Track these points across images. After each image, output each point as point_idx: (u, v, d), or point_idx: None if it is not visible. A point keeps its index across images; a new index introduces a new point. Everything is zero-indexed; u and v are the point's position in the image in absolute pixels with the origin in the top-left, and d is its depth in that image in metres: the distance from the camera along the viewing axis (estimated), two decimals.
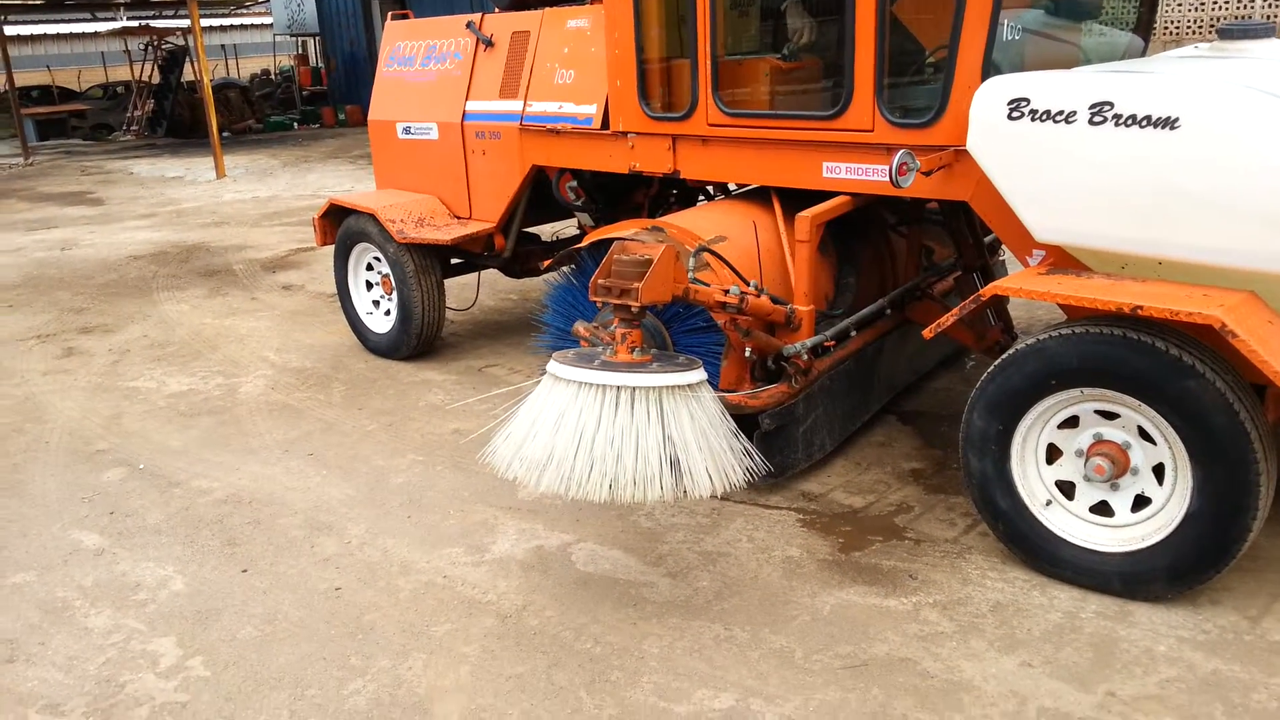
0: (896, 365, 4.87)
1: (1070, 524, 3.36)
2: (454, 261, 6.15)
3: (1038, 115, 3.29)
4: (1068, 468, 3.37)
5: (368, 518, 4.11)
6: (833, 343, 4.05)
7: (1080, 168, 3.22)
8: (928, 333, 3.51)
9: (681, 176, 4.62)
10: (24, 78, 27.18)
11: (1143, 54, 4.63)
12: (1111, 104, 3.13)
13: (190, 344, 6.71)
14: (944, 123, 3.68)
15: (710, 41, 4.22)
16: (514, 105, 5.30)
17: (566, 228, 6.85)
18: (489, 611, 3.38)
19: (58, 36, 39.15)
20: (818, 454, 4.24)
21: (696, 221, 4.14)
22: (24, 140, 20.71)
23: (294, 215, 11.57)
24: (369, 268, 6.08)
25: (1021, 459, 3.39)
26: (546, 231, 6.56)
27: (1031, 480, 3.41)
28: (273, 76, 29.88)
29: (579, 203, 5.36)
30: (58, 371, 6.29)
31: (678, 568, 3.60)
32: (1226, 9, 12.24)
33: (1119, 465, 3.23)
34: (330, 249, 6.27)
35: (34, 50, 38.75)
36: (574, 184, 5.30)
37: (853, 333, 4.20)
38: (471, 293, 6.73)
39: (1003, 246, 5.38)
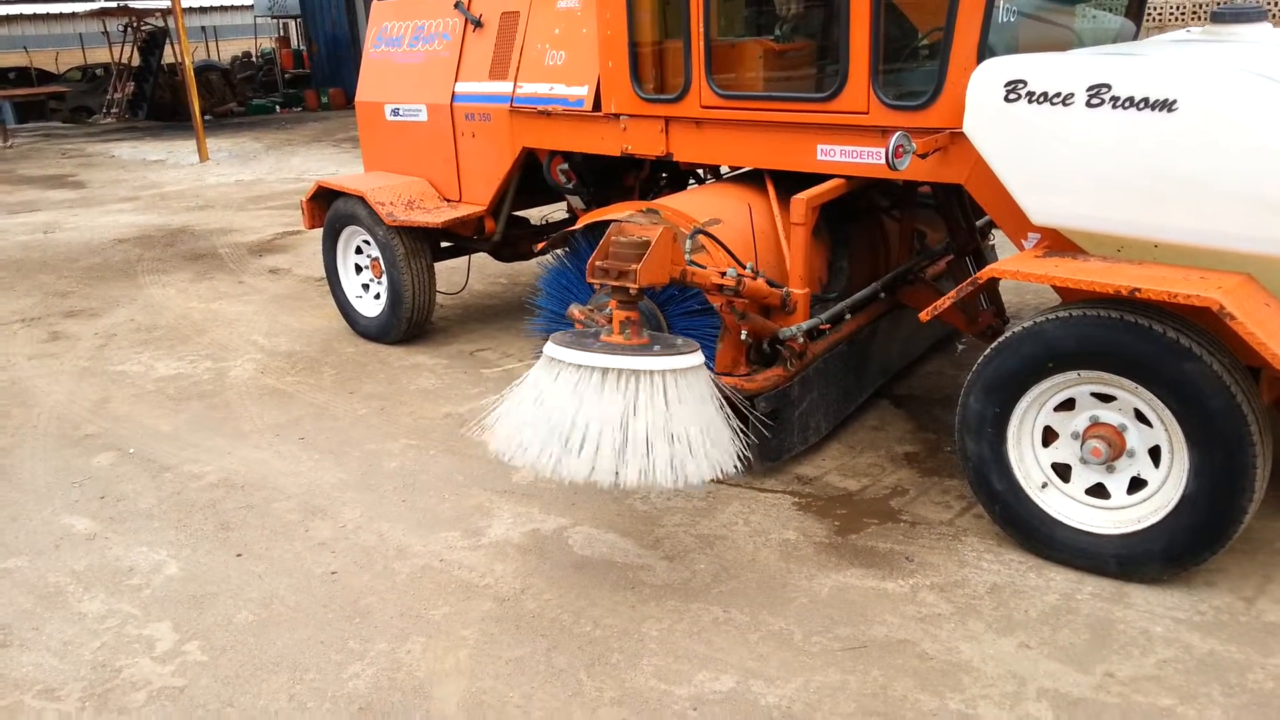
0: (889, 349, 4.87)
1: (1066, 506, 3.38)
2: (444, 245, 6.12)
3: (1035, 97, 3.28)
4: (1064, 450, 3.38)
5: (362, 502, 4.10)
6: (828, 326, 4.04)
7: (1077, 150, 3.22)
8: (924, 315, 3.51)
9: (674, 159, 4.59)
10: (0, 59, 26.83)
11: (1134, 38, 4.64)
12: (1109, 86, 3.13)
13: (178, 328, 6.66)
14: (940, 105, 3.67)
15: (703, 22, 4.19)
16: (504, 87, 5.26)
17: (555, 211, 6.82)
18: (487, 595, 3.37)
19: (34, 17, 38.69)
20: (813, 438, 4.25)
21: (691, 204, 4.13)
22: (3, 123, 20.45)
23: (279, 199, 11.48)
24: (358, 251, 6.04)
25: (1018, 441, 3.41)
26: (535, 216, 6.53)
27: (1028, 463, 3.42)
28: (254, 59, 29.62)
29: (570, 186, 5.33)
30: (44, 355, 6.23)
31: (675, 551, 3.60)
32: None
33: (1115, 448, 3.24)
34: (318, 232, 6.22)
35: (10, 31, 38.29)
36: (565, 166, 5.27)
37: (847, 316, 4.20)
38: (461, 277, 6.70)
39: (992, 231, 5.39)
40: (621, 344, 3.15)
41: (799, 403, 4.09)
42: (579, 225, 4.14)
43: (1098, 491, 3.35)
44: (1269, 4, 11.89)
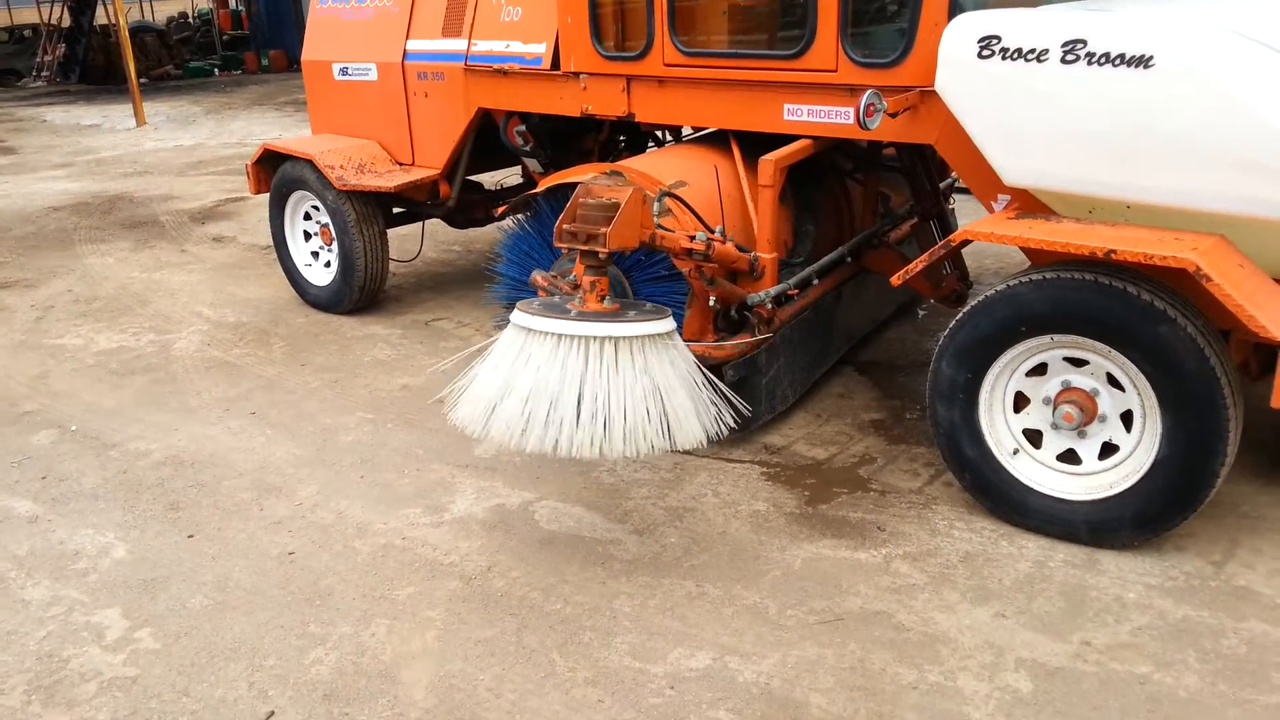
0: (854, 315, 4.82)
1: (1037, 473, 3.35)
2: (396, 211, 5.93)
3: (1009, 54, 3.21)
4: (1035, 416, 3.35)
5: (318, 478, 3.96)
6: (796, 292, 3.97)
7: (1051, 108, 3.16)
8: (896, 280, 3.44)
9: (636, 120, 4.47)
10: None
11: None
12: (1084, 42, 3.06)
13: (118, 299, 6.41)
14: (910, 62, 3.59)
15: None
16: (458, 44, 5.07)
17: (510, 176, 6.65)
18: (452, 574, 3.27)
19: None
20: (780, 406, 4.19)
21: (656, 166, 4.01)
22: None
23: (221, 164, 11.13)
24: (307, 217, 5.84)
25: (989, 408, 3.37)
26: (489, 181, 6.36)
27: (999, 429, 3.39)
28: (190, 20, 28.67)
29: (527, 148, 5.18)
30: None
31: (644, 524, 3.52)
32: None
33: (1087, 413, 3.21)
34: (263, 198, 6.00)
35: None
36: (522, 128, 5.12)
37: (815, 281, 4.12)
38: (414, 244, 6.52)
39: (953, 195, 5.33)
40: (592, 310, 3.04)
41: (766, 370, 4.02)
42: (540, 188, 4.01)
43: (1069, 458, 3.33)
44: None
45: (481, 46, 4.94)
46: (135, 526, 3.66)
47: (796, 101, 3.93)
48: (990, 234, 3.17)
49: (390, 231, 5.79)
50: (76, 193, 9.96)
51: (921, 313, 5.55)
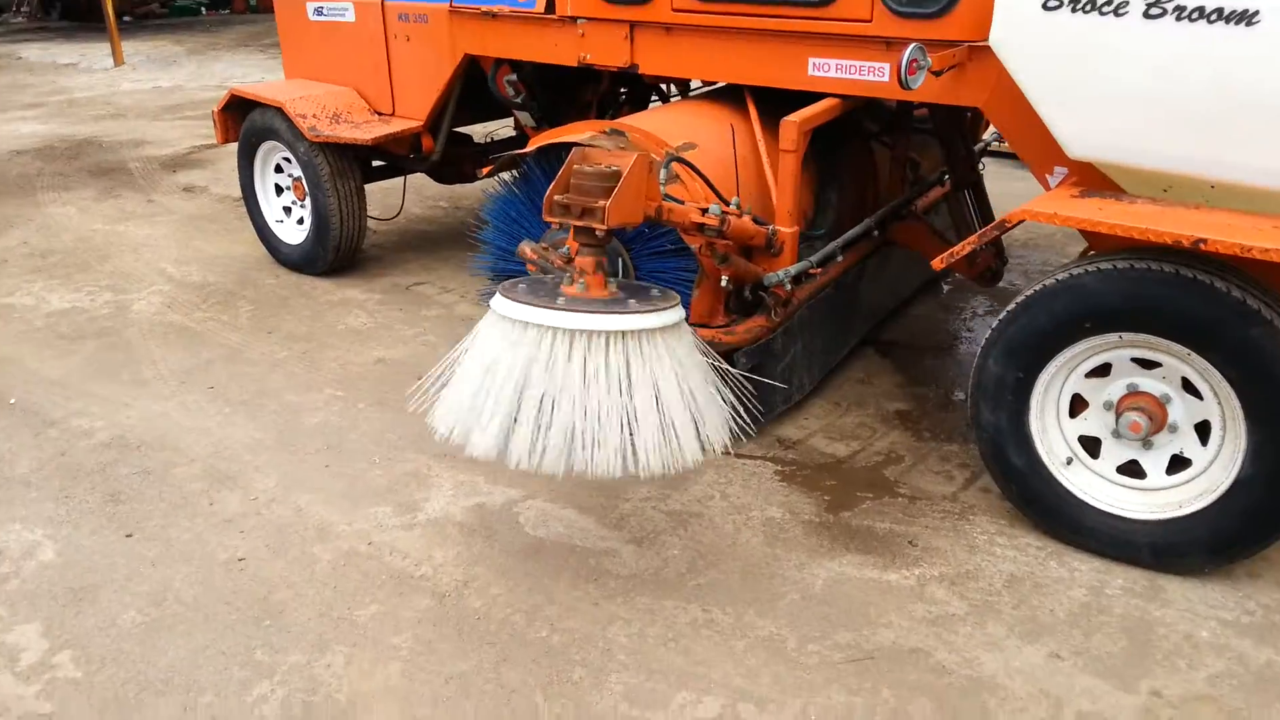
0: (876, 292, 4.38)
1: (1094, 485, 2.95)
2: (375, 164, 5.45)
3: (1080, 5, 2.75)
4: (1093, 422, 2.94)
5: (278, 466, 3.53)
6: (818, 270, 3.52)
7: (1130, 69, 2.71)
8: (938, 263, 3.00)
9: (640, 71, 3.99)
10: None
11: None
12: None
13: (77, 253, 5.93)
14: (959, 13, 3.12)
15: None
16: None
17: (501, 128, 6.16)
18: (424, 589, 2.86)
19: None
20: (796, 395, 3.76)
21: (663, 125, 3.54)
22: None
23: (198, 108, 10.56)
24: (278, 170, 5.35)
25: (1041, 411, 2.95)
26: (479, 132, 5.87)
27: (1051, 435, 2.97)
28: None
29: (518, 99, 4.70)
30: None
31: (643, 532, 3.11)
32: None
33: (1156, 421, 2.80)
34: (235, 146, 5.50)
35: None
36: (513, 78, 4.63)
37: (838, 258, 3.68)
38: (396, 199, 6.04)
39: (983, 160, 4.87)
40: (587, 297, 2.60)
41: (782, 356, 3.59)
42: (530, 147, 3.53)
43: (1131, 470, 2.92)
44: None
45: None
46: (68, 522, 3.24)
47: (824, 55, 3.46)
48: (1054, 214, 2.72)
49: (370, 186, 5.32)
50: (44, 135, 9.40)
51: (946, 288, 5.12)
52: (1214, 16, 2.56)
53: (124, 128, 9.67)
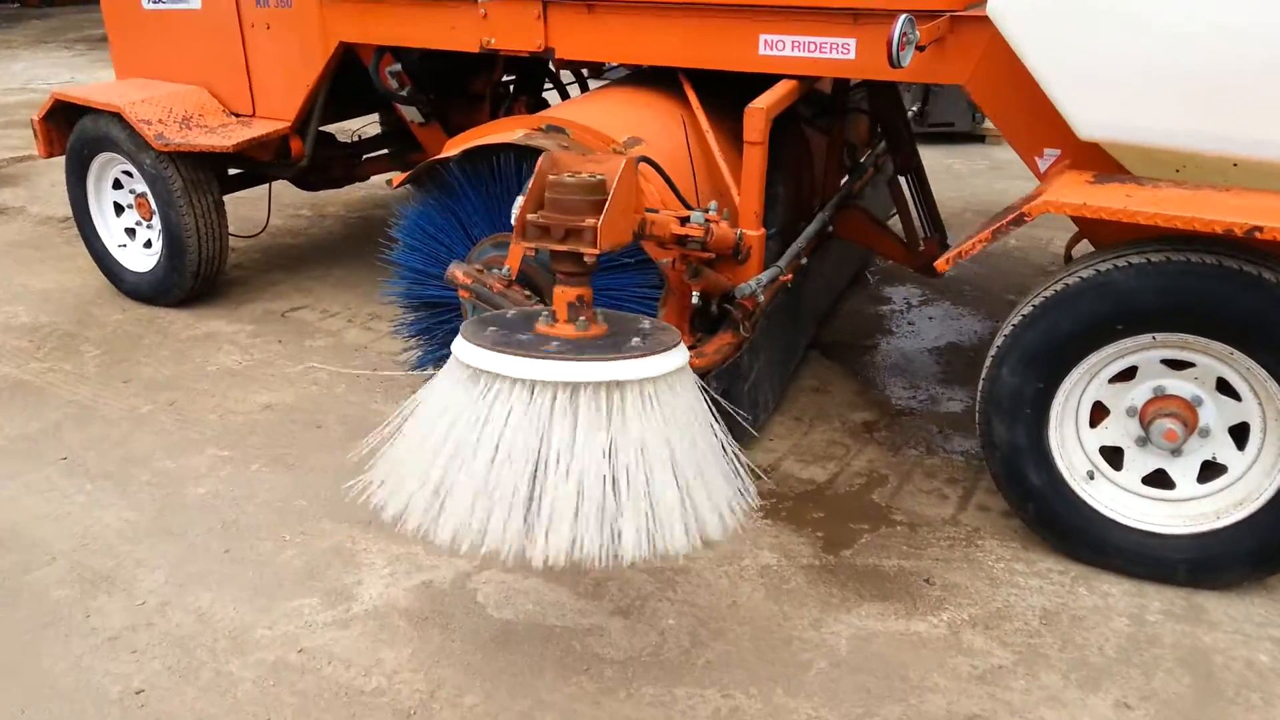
0: (818, 290, 4.04)
1: (1120, 500, 2.68)
2: (231, 172, 4.77)
3: None
4: (1115, 430, 2.67)
5: (165, 556, 2.91)
6: (789, 276, 3.14)
7: (1151, 38, 2.42)
8: (943, 264, 2.65)
9: (557, 56, 3.50)
10: None
11: None
12: None
13: None
14: None
15: None
16: None
17: (368, 125, 5.53)
18: (381, 708, 2.34)
19: None
20: (763, 415, 3.39)
21: (601, 118, 3.07)
22: None
23: (1, 115, 9.35)
24: (117, 185, 4.60)
25: (1060, 423, 2.66)
26: (339, 132, 5.23)
27: (1070, 449, 2.69)
28: None
29: (403, 93, 4.13)
30: None
31: (627, 600, 2.67)
32: None
33: (1188, 426, 2.55)
34: (62, 160, 4.70)
35: None
36: (396, 68, 4.06)
37: (803, 260, 3.31)
38: (248, 211, 5.34)
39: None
40: (573, 337, 2.13)
41: (748, 374, 3.20)
42: (452, 151, 3.00)
43: (1156, 480, 2.67)
44: None
45: None
46: None
47: (778, 31, 3.06)
48: (1083, 205, 2.41)
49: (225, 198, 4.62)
50: None
51: (873, 278, 4.84)
52: None
53: None
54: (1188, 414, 2.55)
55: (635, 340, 2.11)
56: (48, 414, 3.74)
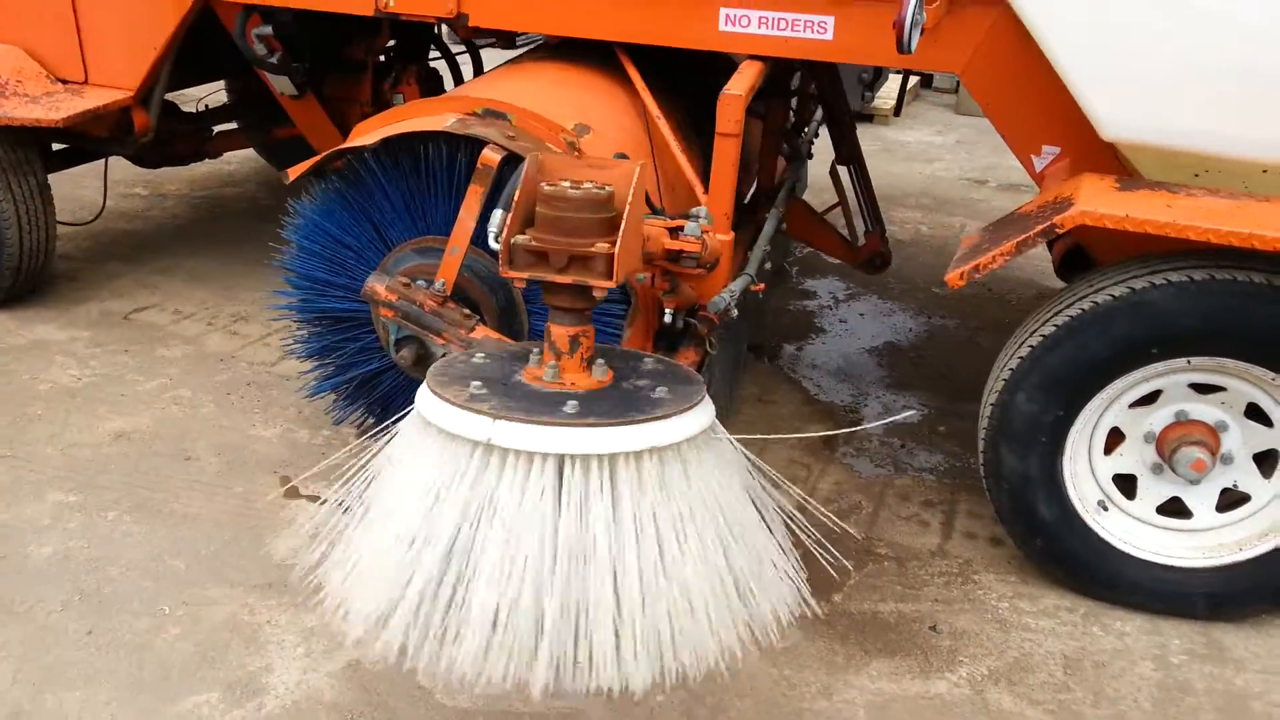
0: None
1: (1134, 532, 2.48)
2: (56, 147, 4.02)
3: None
4: (1129, 457, 2.46)
5: (10, 644, 2.30)
6: (763, 286, 2.78)
7: (1191, 30, 2.17)
8: (956, 280, 2.34)
9: (470, 24, 3.00)
10: None
11: None
12: None
13: None
14: None
15: None
16: None
17: (214, 93, 4.81)
18: None
19: None
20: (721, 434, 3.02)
21: (542, 100, 2.61)
22: None
23: None
24: None
25: (1075, 453, 2.42)
26: (184, 100, 4.53)
27: (1083, 478, 2.46)
28: None
29: (273, 60, 3.52)
30: None
31: None
32: None
33: (1213, 454, 2.35)
34: None
35: None
36: (266, 31, 3.45)
37: (768, 266, 2.96)
38: (76, 188, 4.57)
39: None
40: (584, 388, 1.70)
41: (708, 389, 2.83)
42: (366, 139, 2.47)
43: (1171, 509, 2.48)
44: None
45: None
46: None
47: (742, 4, 2.68)
48: (1126, 217, 2.14)
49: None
50: None
51: (793, 272, 4.56)
52: None
53: None
54: (1211, 440, 2.36)
55: (657, 389, 1.71)
56: None
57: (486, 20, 2.99)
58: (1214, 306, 2.17)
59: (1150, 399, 2.38)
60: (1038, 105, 2.50)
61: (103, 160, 4.21)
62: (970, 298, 4.38)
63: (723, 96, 2.46)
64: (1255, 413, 2.34)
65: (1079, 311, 2.27)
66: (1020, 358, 2.35)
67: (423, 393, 1.70)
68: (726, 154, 2.51)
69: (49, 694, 2.17)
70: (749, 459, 1.91)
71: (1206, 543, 2.44)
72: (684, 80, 3.14)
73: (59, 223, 4.00)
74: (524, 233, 1.69)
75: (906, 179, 5.69)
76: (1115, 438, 2.44)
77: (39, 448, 3.04)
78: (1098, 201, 2.19)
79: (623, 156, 2.34)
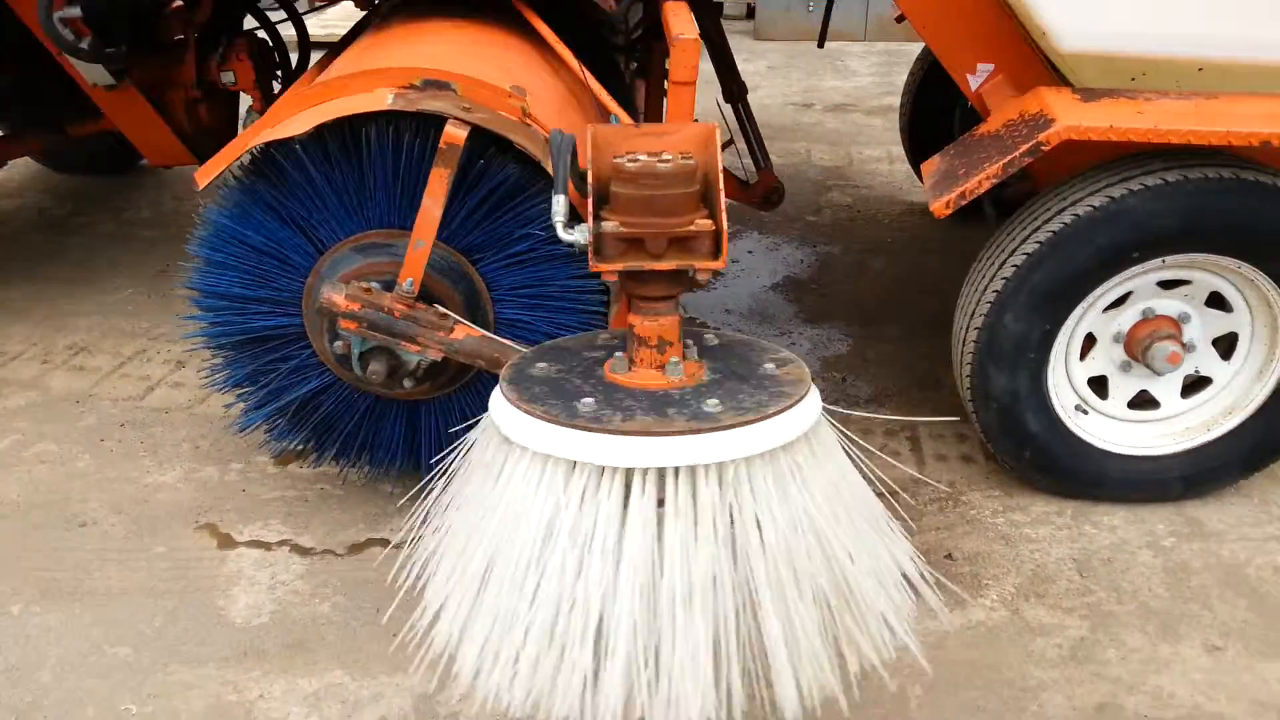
0: None
1: (1111, 430, 2.58)
2: None
3: None
4: (1101, 359, 2.54)
5: None
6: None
7: None
8: (942, 209, 2.31)
9: None
10: None
11: None
12: None
13: None
14: None
15: None
16: None
17: None
18: None
19: None
20: None
21: (468, 62, 2.33)
22: None
23: None
24: None
25: (1058, 363, 2.48)
26: None
27: (1063, 386, 2.53)
28: None
29: (84, 45, 3.02)
30: None
31: None
32: None
33: (1183, 346, 2.47)
34: None
35: None
36: (72, 12, 2.95)
37: None
38: None
39: None
40: (672, 385, 1.53)
41: None
42: (293, 128, 2.11)
43: (1140, 402, 2.59)
44: None
45: None
46: None
47: None
48: (1110, 128, 2.17)
49: None
50: None
51: None
52: None
53: None
54: (1176, 332, 2.47)
55: (765, 366, 1.56)
56: None
57: None
58: (1190, 205, 2.25)
59: (1121, 300, 2.45)
60: (973, 25, 2.50)
61: None
62: (842, 221, 4.44)
63: (680, 42, 2.28)
64: (1215, 301, 2.46)
65: (1061, 226, 2.29)
66: (1005, 279, 2.36)
67: (544, 429, 1.46)
68: (684, 104, 2.35)
69: None
70: None
71: (1176, 428, 2.57)
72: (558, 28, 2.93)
73: None
74: (603, 217, 1.48)
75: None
76: (1088, 343, 2.51)
77: None
78: (1079, 115, 2.20)
79: (521, 91, 2.13)
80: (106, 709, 2.06)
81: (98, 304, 3.68)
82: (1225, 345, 2.52)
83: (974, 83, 2.61)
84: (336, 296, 2.07)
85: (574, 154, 1.63)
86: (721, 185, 1.52)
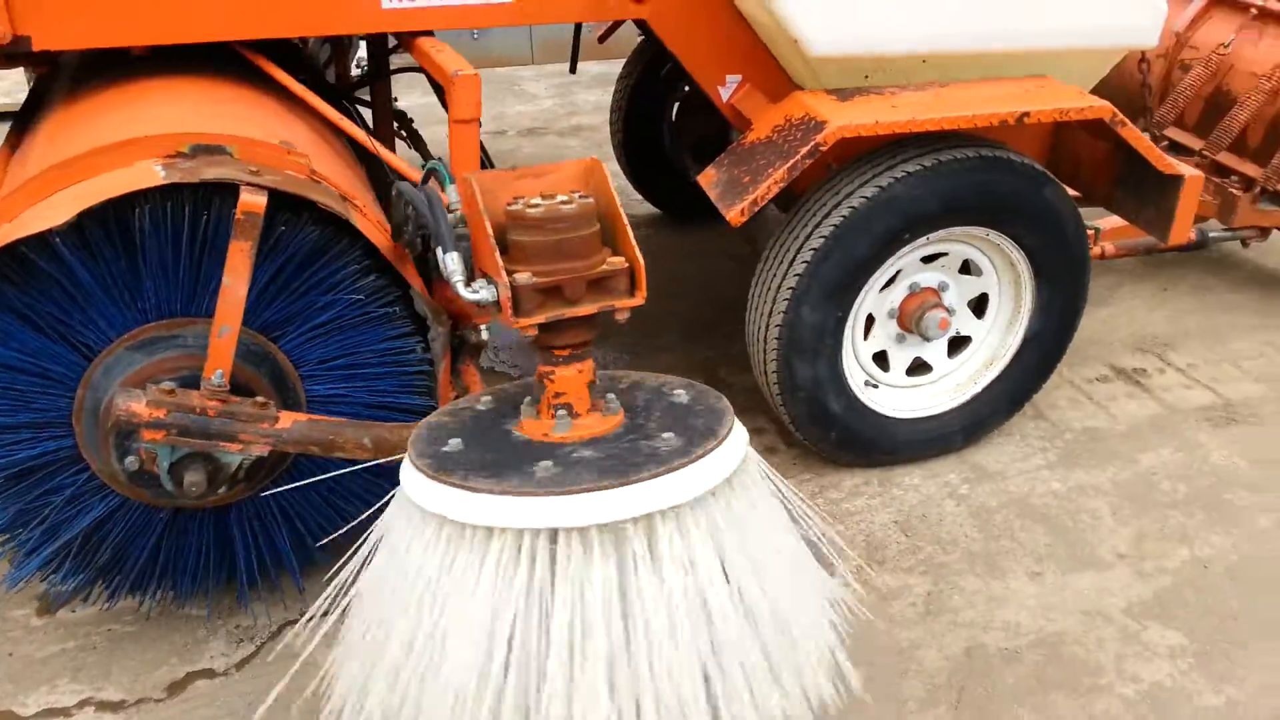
0: None
1: (897, 399, 2.82)
2: None
3: None
4: (880, 336, 2.75)
5: None
6: None
7: None
8: (737, 217, 2.37)
9: (35, 48, 2.28)
10: None
11: None
12: None
13: None
14: None
15: None
16: None
17: None
18: None
19: None
20: None
21: (228, 122, 2.09)
22: None
23: None
24: None
25: (848, 345, 2.66)
26: None
27: (853, 366, 2.71)
28: None
29: None
30: None
31: None
32: None
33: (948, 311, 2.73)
34: None
35: None
36: None
37: None
38: None
39: None
40: (605, 433, 1.46)
41: None
42: (48, 220, 1.76)
43: (916, 369, 2.84)
44: None
45: None
46: None
47: None
48: (876, 124, 2.34)
49: None
50: None
51: None
52: None
53: None
54: (939, 300, 2.72)
55: (668, 436, 1.50)
56: None
57: (55, 40, 2.29)
58: (948, 186, 2.47)
59: (892, 279, 2.67)
60: (720, 41, 2.61)
61: None
62: None
63: (460, 79, 2.19)
64: (965, 268, 2.74)
65: (841, 219, 2.45)
66: (798, 275, 2.48)
67: (477, 501, 1.34)
68: (468, 142, 2.26)
69: None
70: None
71: (948, 386, 2.84)
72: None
73: None
74: (511, 270, 1.38)
75: (439, 145, 5.53)
76: (869, 322, 2.71)
77: None
78: (846, 115, 2.36)
79: (290, 146, 1.98)
80: None
81: None
82: (977, 306, 2.82)
83: (725, 94, 2.72)
84: (136, 406, 1.78)
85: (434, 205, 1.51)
86: (624, 218, 1.47)
